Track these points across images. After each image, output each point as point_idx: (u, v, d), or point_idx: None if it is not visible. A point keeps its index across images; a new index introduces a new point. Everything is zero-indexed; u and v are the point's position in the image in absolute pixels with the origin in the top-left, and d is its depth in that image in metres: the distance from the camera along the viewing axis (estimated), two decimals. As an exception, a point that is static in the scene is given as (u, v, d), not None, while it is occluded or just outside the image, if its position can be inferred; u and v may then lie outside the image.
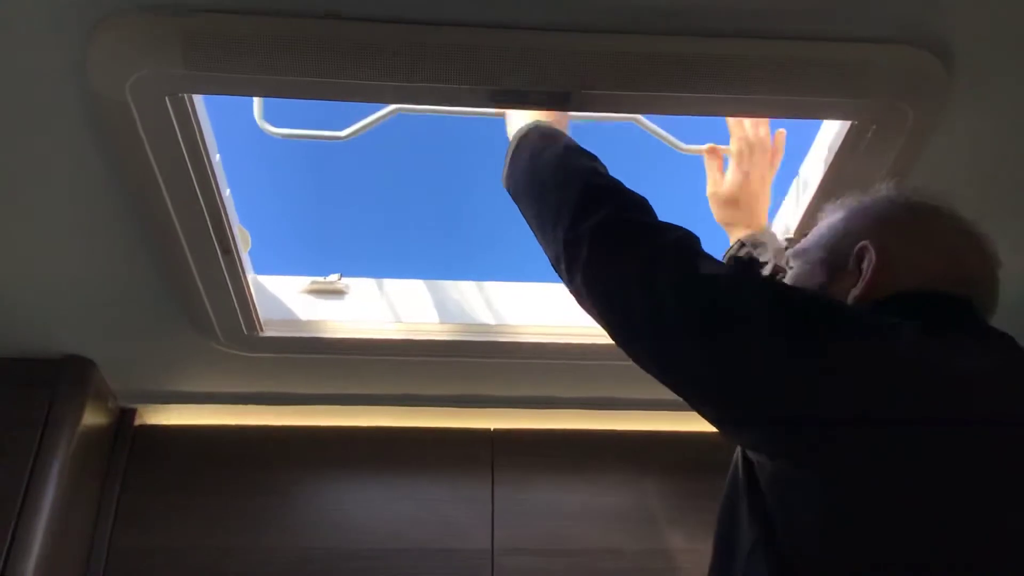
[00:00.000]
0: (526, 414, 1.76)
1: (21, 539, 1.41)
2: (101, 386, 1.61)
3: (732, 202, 1.25)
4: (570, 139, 1.07)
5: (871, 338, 0.74)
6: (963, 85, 1.10)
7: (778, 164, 1.27)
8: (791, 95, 1.09)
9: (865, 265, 0.88)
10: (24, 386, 1.52)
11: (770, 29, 1.03)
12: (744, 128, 1.25)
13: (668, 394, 1.69)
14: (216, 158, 1.21)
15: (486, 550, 1.64)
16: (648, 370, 0.84)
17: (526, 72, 1.04)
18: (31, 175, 1.19)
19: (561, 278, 0.92)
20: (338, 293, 1.57)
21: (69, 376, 1.55)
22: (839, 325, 0.76)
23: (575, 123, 1.21)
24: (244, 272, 1.37)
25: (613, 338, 0.88)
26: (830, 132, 1.24)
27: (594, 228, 0.87)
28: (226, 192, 1.27)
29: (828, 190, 1.27)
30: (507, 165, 1.10)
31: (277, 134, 1.31)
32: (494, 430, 1.77)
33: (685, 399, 0.82)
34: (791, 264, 0.98)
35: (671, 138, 1.32)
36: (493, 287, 1.60)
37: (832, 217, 0.98)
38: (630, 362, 1.54)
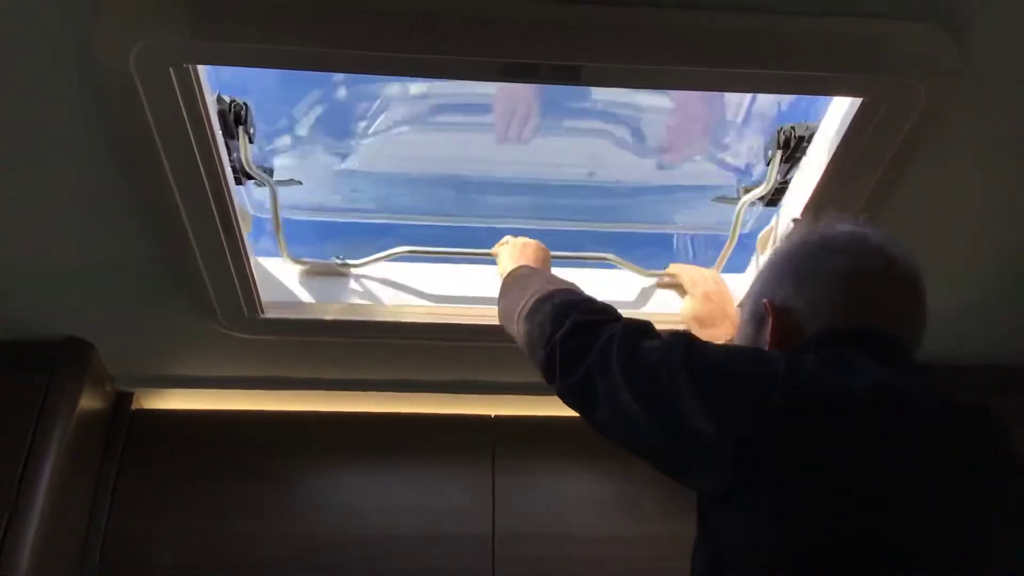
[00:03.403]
0: (527, 401, 1.75)
1: (17, 523, 1.40)
2: (99, 369, 1.60)
3: (703, 321, 1.43)
4: (549, 274, 1.25)
5: (753, 384, 0.80)
6: (977, 68, 1.09)
7: (725, 286, 1.48)
8: (802, 71, 1.08)
9: (768, 323, 0.94)
10: (22, 368, 1.50)
11: (784, 3, 1.02)
12: (686, 269, 1.51)
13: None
14: (219, 133, 1.19)
15: (487, 536, 1.63)
16: (620, 443, 0.94)
17: (536, 46, 1.03)
18: (31, 151, 1.17)
19: (551, 386, 1.04)
20: (339, 275, 1.55)
21: (68, 358, 1.53)
22: (735, 382, 0.82)
23: (557, 261, 1.43)
24: (245, 251, 1.36)
25: (591, 425, 0.98)
26: (837, 114, 1.24)
27: (563, 335, 1.01)
28: (228, 169, 1.26)
29: (835, 172, 1.26)
30: (499, 303, 1.25)
31: (303, 264, 1.52)
32: (495, 417, 1.76)
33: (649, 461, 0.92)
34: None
35: (634, 266, 1.57)
36: (496, 270, 1.59)
37: (762, 266, 1.03)
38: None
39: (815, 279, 0.93)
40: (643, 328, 0.96)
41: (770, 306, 0.94)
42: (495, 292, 1.56)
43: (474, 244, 1.57)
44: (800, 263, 0.96)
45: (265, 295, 1.47)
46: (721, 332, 1.39)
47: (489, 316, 1.53)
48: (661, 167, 1.53)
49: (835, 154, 1.24)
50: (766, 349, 0.93)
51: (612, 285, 1.59)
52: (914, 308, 0.93)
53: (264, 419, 1.72)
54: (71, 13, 0.98)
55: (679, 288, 1.57)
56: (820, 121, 1.28)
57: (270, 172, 1.41)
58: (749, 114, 1.43)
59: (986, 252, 1.44)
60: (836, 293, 0.92)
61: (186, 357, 1.61)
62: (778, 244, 1.03)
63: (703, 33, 1.03)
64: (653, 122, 1.47)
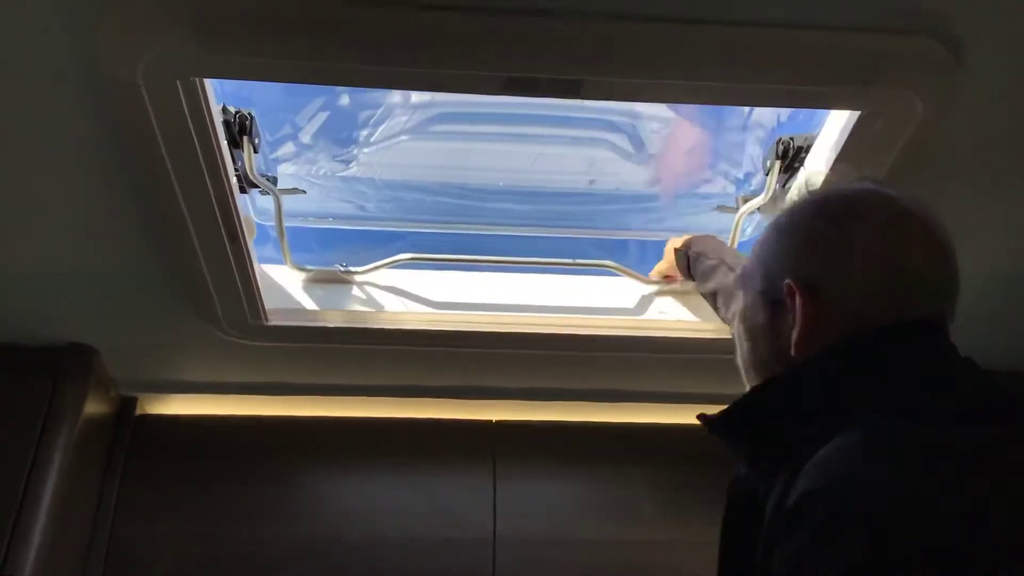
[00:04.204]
0: (528, 406, 1.76)
1: (22, 528, 1.40)
2: (103, 374, 1.60)
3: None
4: None
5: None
6: (973, 76, 1.10)
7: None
8: (800, 84, 1.09)
9: (796, 311, 0.79)
10: (27, 374, 1.51)
11: (781, 17, 1.03)
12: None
13: (670, 386, 1.72)
14: (224, 143, 1.20)
15: (487, 540, 1.64)
16: None
17: (537, 60, 1.04)
18: (37, 159, 1.18)
19: None
20: (343, 283, 1.56)
21: (72, 364, 1.54)
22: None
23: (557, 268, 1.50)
24: (250, 259, 1.37)
25: None
26: (836, 125, 1.25)
27: None
28: (233, 178, 1.27)
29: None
30: None
31: (306, 271, 1.52)
32: (496, 422, 1.77)
33: None
34: (740, 291, 0.92)
35: (636, 273, 1.58)
36: (497, 277, 1.61)
37: (769, 231, 0.88)
38: (632, 353, 1.57)
39: (843, 251, 0.79)
40: None
41: (796, 287, 0.79)
42: (497, 299, 1.58)
43: (476, 251, 1.58)
44: (823, 230, 0.81)
45: (269, 302, 1.48)
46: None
47: (491, 322, 1.55)
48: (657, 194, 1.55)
49: (833, 165, 1.25)
50: (790, 344, 0.79)
51: (612, 292, 1.60)
52: (951, 274, 0.80)
53: (267, 424, 1.73)
54: (78, 26, 0.99)
55: (679, 295, 1.58)
56: (819, 132, 1.30)
57: (274, 180, 1.42)
58: (748, 124, 1.44)
59: (985, 262, 1.45)
60: (870, 270, 0.78)
61: (190, 363, 1.62)
62: (785, 208, 0.88)
63: (701, 48, 1.04)
64: (653, 131, 1.48)
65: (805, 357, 0.79)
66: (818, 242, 0.81)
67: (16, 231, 1.30)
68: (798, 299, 0.79)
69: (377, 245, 1.57)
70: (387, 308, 1.55)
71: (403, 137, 1.46)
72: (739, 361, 0.90)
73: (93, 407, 1.57)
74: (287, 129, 1.44)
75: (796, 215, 0.85)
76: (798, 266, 0.81)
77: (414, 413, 1.76)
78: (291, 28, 1.00)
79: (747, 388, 0.87)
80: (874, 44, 1.06)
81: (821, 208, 0.84)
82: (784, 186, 1.39)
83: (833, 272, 0.79)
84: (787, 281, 0.80)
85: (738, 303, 0.91)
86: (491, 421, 1.77)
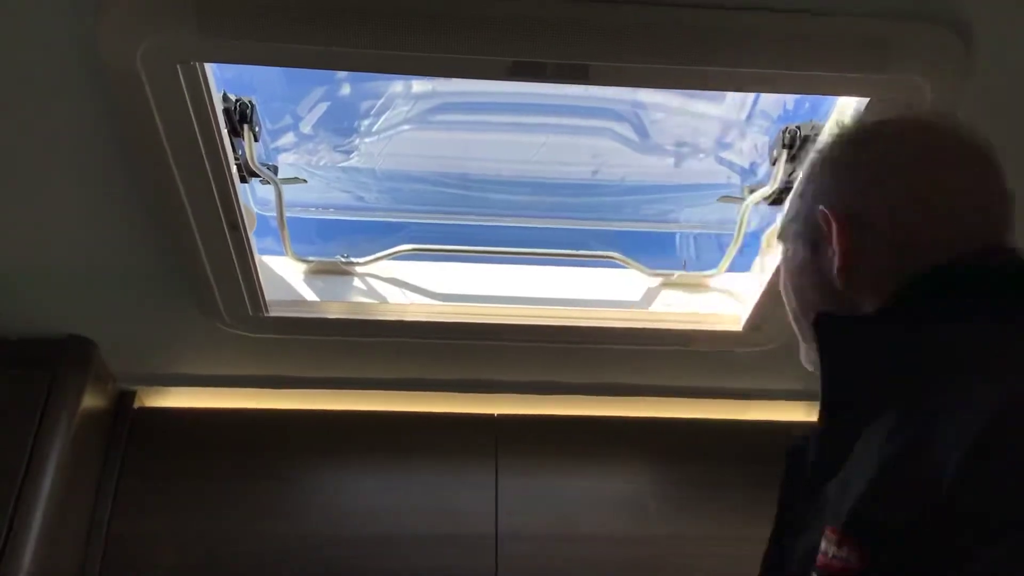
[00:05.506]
0: (530, 400, 1.75)
1: (20, 521, 1.39)
2: (101, 367, 1.59)
3: None
4: None
5: None
6: (984, 65, 1.09)
7: None
8: (807, 70, 1.08)
9: (832, 237, 0.73)
10: (25, 366, 1.49)
11: (790, 2, 1.02)
12: None
13: (675, 380, 1.71)
14: (225, 131, 1.19)
15: (490, 535, 1.63)
16: None
17: (543, 44, 1.03)
18: (34, 149, 1.16)
19: None
20: (344, 274, 1.55)
21: (70, 357, 1.52)
22: None
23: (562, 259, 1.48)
24: (251, 249, 1.35)
25: None
26: (844, 112, 1.23)
27: None
28: (234, 167, 1.25)
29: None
30: None
31: (307, 262, 1.52)
32: (498, 416, 1.76)
33: None
34: (781, 243, 0.86)
35: (640, 266, 1.57)
36: (500, 269, 1.59)
37: (801, 175, 0.85)
38: (635, 347, 1.56)
39: (881, 174, 0.73)
40: None
41: (831, 215, 0.73)
42: (500, 290, 1.56)
43: (479, 242, 1.57)
44: (857, 156, 0.75)
45: (269, 294, 1.47)
46: None
47: (494, 314, 1.54)
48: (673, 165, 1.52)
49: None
50: (833, 277, 0.73)
51: (617, 284, 1.59)
52: (1003, 193, 0.74)
53: (267, 418, 1.71)
54: (76, 12, 0.97)
55: (685, 288, 1.57)
56: (826, 121, 1.28)
57: (275, 170, 1.40)
58: (753, 112, 1.43)
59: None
60: (910, 193, 0.71)
61: (189, 355, 1.61)
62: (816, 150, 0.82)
63: (709, 32, 1.03)
64: (658, 120, 1.46)
65: (854, 292, 0.72)
66: (851, 167, 0.75)
67: (15, 223, 1.28)
68: (834, 226, 0.73)
69: (378, 236, 1.56)
70: (388, 300, 1.53)
71: (405, 127, 1.45)
72: (791, 320, 0.83)
73: (91, 400, 1.55)
74: (288, 119, 1.42)
75: (828, 150, 0.80)
76: (832, 194, 0.75)
77: (416, 407, 1.75)
78: (293, 11, 0.98)
79: (800, 341, 0.81)
80: (883, 30, 1.05)
81: (854, 138, 0.79)
82: (790, 176, 1.38)
83: (874, 195, 0.73)
84: (821, 208, 0.74)
85: (780, 257, 0.86)
86: (494, 415, 1.76)
